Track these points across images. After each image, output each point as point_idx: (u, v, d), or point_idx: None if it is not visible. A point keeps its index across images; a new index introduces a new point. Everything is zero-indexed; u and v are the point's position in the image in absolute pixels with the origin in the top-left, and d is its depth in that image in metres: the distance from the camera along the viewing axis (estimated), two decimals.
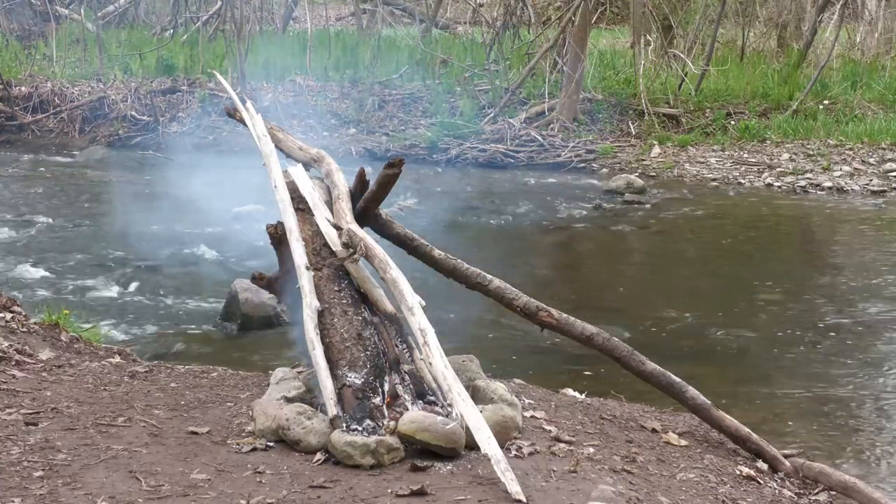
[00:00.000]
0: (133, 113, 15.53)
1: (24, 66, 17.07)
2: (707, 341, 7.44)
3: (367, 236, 4.25)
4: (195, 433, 3.99)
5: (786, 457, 4.63)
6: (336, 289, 4.19)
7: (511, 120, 15.35)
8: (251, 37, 17.28)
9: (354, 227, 4.31)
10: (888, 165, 13.82)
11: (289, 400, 4.03)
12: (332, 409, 3.76)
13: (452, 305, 7.06)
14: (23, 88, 16.09)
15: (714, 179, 13.78)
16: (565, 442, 4.07)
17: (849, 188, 13.16)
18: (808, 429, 5.92)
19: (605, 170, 14.29)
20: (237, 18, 16.52)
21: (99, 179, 13.03)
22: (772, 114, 15.95)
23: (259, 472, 3.61)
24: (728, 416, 4.59)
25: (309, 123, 15.67)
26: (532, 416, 4.31)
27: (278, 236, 4.45)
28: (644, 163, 14.53)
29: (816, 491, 4.42)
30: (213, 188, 10.54)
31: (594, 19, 18.33)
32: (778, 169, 13.97)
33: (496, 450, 3.57)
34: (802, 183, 13.42)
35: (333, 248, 4.30)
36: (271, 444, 3.87)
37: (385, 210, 4.67)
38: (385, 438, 3.69)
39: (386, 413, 3.85)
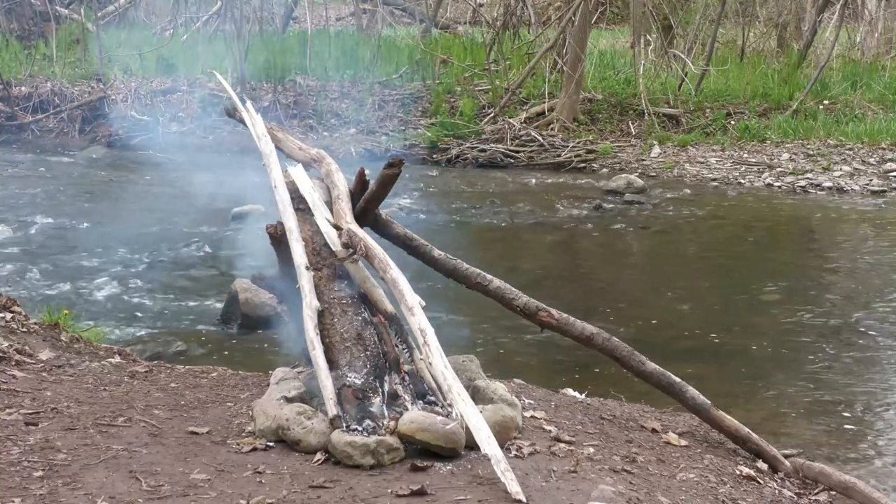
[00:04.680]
0: (133, 113, 15.54)
1: (24, 66, 17.08)
2: (707, 341, 7.44)
3: (367, 236, 4.24)
4: (195, 433, 3.99)
5: (786, 457, 4.62)
6: (336, 289, 4.19)
7: (511, 120, 15.36)
8: (251, 37, 17.28)
9: (354, 227, 4.31)
10: (888, 165, 13.82)
11: (289, 400, 4.02)
12: (332, 409, 3.76)
13: (452, 306, 7.07)
14: (23, 88, 16.11)
15: (714, 179, 13.79)
16: (565, 442, 4.07)
17: (849, 188, 13.16)
18: (808, 429, 5.92)
19: (605, 170, 14.31)
20: (237, 18, 16.53)
21: (99, 179, 13.03)
22: (772, 114, 15.96)
23: (259, 472, 3.61)
24: (728, 416, 4.59)
25: (309, 123, 15.68)
26: (532, 416, 4.31)
27: (278, 236, 4.44)
28: (644, 163, 14.54)
29: (816, 491, 4.42)
30: (213, 188, 10.56)
31: (594, 19, 18.34)
32: (778, 169, 13.97)
33: (496, 450, 3.57)
34: (802, 183, 13.42)
35: (333, 248, 4.29)
36: (271, 444, 3.86)
37: (385, 210, 4.67)
38: (385, 438, 3.69)
39: (386, 413, 3.85)
